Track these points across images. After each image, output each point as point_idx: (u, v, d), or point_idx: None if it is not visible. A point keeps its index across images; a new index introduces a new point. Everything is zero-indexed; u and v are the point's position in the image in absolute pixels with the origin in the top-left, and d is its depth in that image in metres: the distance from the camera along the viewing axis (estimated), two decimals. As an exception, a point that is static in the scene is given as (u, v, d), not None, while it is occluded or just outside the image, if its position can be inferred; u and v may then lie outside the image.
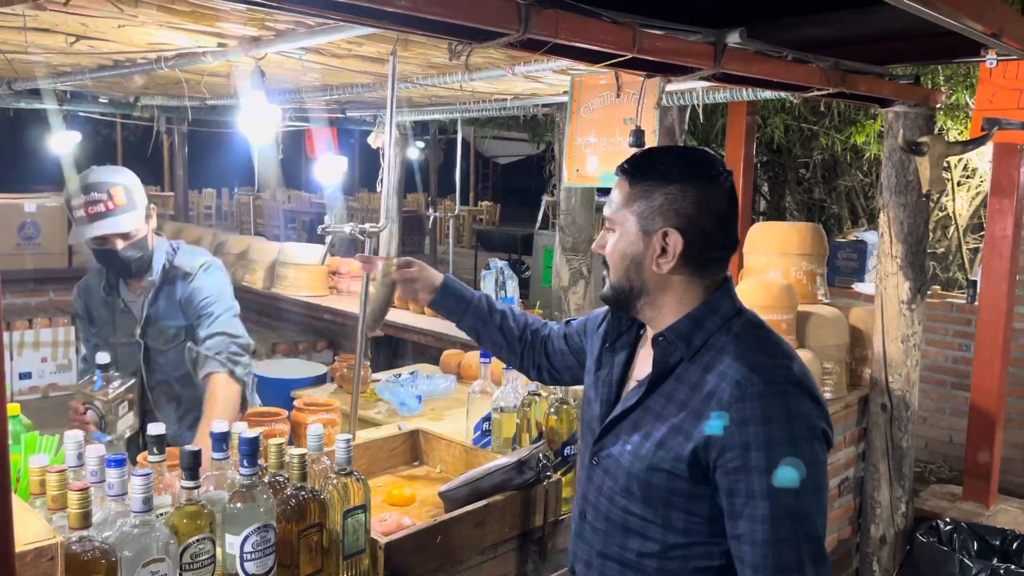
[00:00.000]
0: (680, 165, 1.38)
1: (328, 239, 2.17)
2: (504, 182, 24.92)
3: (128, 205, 2.28)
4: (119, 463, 1.36)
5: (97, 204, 2.21)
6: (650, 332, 1.45)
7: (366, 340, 2.29)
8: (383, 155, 6.16)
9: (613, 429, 1.44)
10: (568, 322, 1.85)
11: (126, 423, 2.27)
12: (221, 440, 1.56)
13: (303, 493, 1.58)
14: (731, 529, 1.31)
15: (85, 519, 1.30)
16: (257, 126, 2.28)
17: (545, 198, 10.13)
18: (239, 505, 1.48)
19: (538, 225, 10.06)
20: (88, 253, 2.38)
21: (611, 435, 1.44)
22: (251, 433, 1.50)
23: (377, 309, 2.01)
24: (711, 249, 1.38)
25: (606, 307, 1.61)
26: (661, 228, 1.35)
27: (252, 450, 1.49)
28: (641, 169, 1.39)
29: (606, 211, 1.44)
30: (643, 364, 1.47)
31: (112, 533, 1.34)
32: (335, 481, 1.64)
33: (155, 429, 1.54)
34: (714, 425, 1.29)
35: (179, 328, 2.47)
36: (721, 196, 1.37)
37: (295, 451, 1.59)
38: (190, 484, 1.44)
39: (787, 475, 1.25)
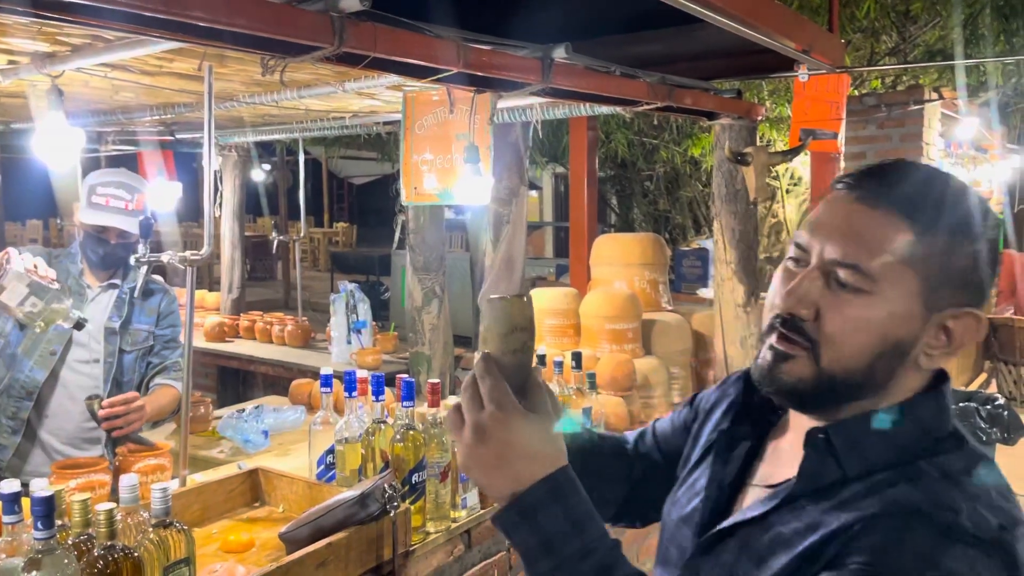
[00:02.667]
0: (973, 203, 0.88)
1: (143, 270, 2.02)
2: (360, 203, 24.49)
3: (141, 213, 2.50)
4: None
5: (121, 200, 2.45)
6: (803, 420, 0.96)
7: (191, 373, 2.13)
8: (220, 178, 5.88)
9: (719, 544, 0.97)
10: (643, 434, 1.35)
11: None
12: (12, 501, 1.39)
13: (113, 553, 1.43)
14: None
15: None
16: (55, 150, 2.08)
17: (400, 217, 9.99)
18: (34, 574, 1.31)
19: (395, 245, 9.85)
20: (81, 234, 2.56)
21: (711, 553, 0.98)
22: (44, 492, 1.34)
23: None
24: None
25: (716, 390, 1.22)
26: (952, 305, 0.87)
27: (46, 511, 1.32)
28: (929, 201, 0.87)
29: (850, 255, 0.87)
30: (777, 462, 1.01)
31: None
32: (151, 535, 1.50)
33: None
34: (851, 546, 0.82)
35: (149, 334, 2.68)
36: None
37: (101, 506, 1.43)
38: (-27, 556, 1.27)
39: None
